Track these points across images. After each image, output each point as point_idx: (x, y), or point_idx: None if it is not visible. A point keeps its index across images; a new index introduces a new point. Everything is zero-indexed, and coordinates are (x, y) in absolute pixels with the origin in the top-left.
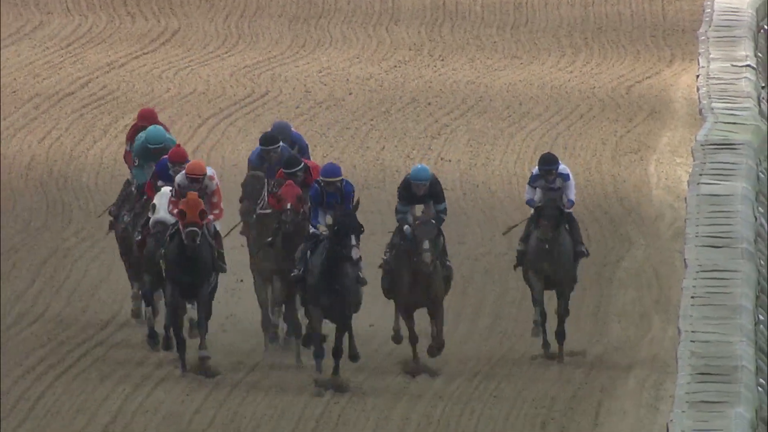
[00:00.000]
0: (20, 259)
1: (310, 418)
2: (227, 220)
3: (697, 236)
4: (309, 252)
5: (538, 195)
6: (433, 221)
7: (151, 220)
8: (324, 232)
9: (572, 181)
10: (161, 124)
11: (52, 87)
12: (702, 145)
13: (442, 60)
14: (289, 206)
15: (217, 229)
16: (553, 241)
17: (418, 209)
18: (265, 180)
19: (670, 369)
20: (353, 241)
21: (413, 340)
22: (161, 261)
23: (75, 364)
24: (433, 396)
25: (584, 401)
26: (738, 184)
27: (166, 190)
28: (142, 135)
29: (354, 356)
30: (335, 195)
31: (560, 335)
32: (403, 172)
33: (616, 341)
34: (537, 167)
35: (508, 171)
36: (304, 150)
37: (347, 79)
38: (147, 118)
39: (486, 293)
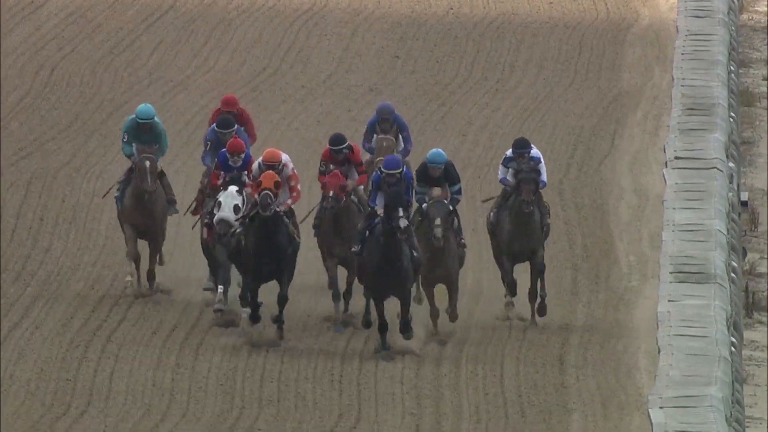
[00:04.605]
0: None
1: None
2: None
3: (686, 9)
4: (367, 231)
5: (510, 175)
6: (446, 200)
7: (215, 218)
8: (381, 213)
9: (543, 164)
10: (242, 110)
11: None
12: None
13: None
14: (331, 193)
15: (292, 208)
16: (524, 220)
17: (435, 191)
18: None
19: (666, 106)
20: (401, 213)
21: (434, 314)
22: (241, 237)
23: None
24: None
25: (604, 129)
26: None
27: (233, 190)
28: (132, 115)
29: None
30: (396, 183)
31: (533, 296)
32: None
33: (626, 86)
34: (511, 149)
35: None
36: (403, 127)
37: None
38: (229, 104)
39: None
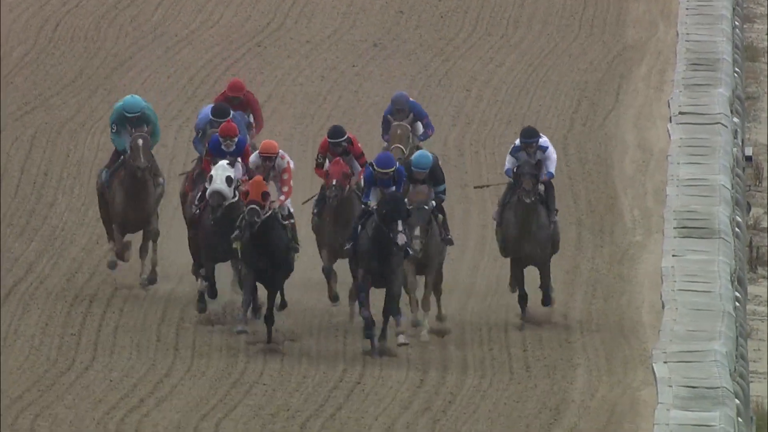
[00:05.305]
0: None
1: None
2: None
3: None
4: (360, 227)
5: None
6: (426, 207)
7: (207, 191)
8: (373, 208)
9: (552, 154)
10: (249, 95)
11: None
12: None
13: None
14: (335, 181)
15: (291, 210)
16: (528, 218)
17: (420, 188)
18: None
19: (671, 61)
20: (400, 227)
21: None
22: (237, 243)
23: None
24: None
25: (608, 84)
26: None
27: (223, 162)
28: (120, 103)
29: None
30: (388, 181)
31: (546, 299)
32: None
33: (631, 41)
34: (519, 139)
35: None
36: (421, 115)
37: None
38: (236, 89)
39: None
